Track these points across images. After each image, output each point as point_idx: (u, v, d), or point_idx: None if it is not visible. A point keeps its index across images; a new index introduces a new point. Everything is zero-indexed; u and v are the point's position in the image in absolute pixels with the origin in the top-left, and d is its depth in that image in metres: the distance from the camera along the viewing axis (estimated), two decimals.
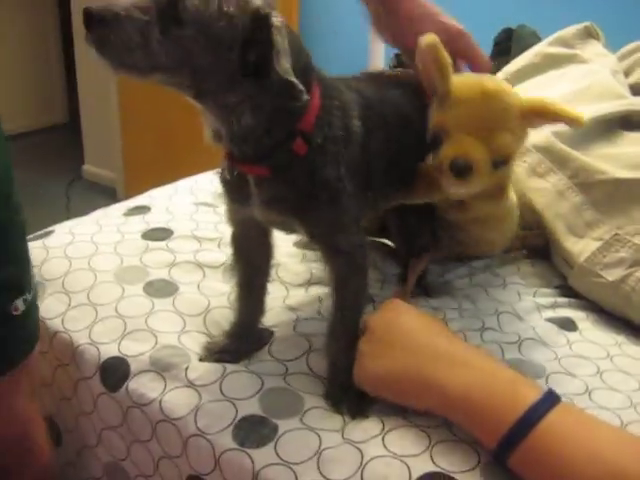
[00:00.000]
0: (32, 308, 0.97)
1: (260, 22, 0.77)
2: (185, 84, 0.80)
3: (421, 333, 0.88)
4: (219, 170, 0.94)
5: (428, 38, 0.96)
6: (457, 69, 1.05)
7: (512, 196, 1.13)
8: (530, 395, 0.75)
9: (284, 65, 0.76)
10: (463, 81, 1.00)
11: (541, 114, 0.97)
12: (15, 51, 4.54)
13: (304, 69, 0.83)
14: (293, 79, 0.76)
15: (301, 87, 0.77)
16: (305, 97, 0.78)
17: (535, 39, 1.74)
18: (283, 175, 0.86)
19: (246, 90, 0.80)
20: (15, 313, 0.93)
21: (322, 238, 0.93)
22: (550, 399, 0.75)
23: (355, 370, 0.89)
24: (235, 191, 0.92)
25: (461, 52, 1.06)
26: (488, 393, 0.77)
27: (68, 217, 3.32)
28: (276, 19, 0.77)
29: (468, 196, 1.06)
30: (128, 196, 3.34)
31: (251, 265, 1.02)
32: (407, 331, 0.88)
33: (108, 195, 3.66)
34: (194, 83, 0.80)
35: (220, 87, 0.80)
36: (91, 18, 0.75)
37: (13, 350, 0.96)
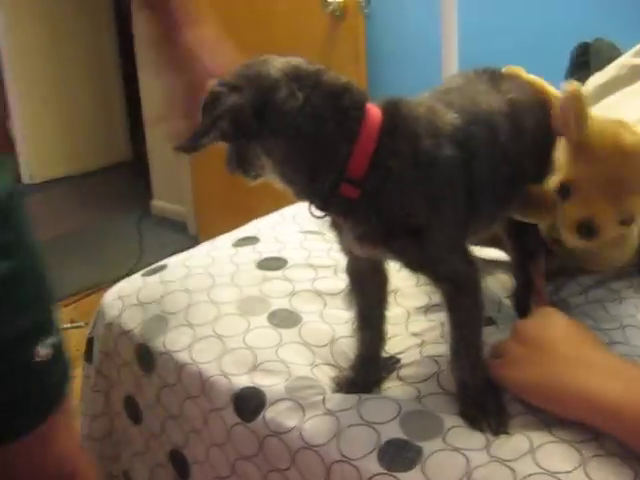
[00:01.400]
0: (58, 352, 0.97)
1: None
2: None
3: (573, 341, 0.89)
4: None
5: (572, 85, 0.96)
6: None
7: None
8: None
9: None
10: (602, 133, 0.98)
11: None
12: (77, 91, 4.66)
13: (339, 111, 0.82)
14: None
15: None
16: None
17: (614, 52, 1.73)
18: (364, 210, 0.85)
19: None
20: (38, 359, 0.93)
21: (420, 269, 0.93)
22: None
23: (504, 373, 0.90)
24: (332, 225, 0.94)
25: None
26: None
27: (141, 253, 3.40)
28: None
29: None
30: (199, 229, 3.43)
31: (367, 294, 1.02)
32: (559, 338, 0.89)
33: (179, 229, 3.73)
34: None
35: None
36: None
37: (41, 398, 0.97)
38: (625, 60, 1.57)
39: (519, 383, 0.89)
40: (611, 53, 1.72)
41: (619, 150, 0.95)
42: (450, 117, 0.89)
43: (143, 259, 3.04)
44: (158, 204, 4.03)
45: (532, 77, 1.12)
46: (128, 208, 4.08)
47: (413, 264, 0.92)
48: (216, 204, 3.34)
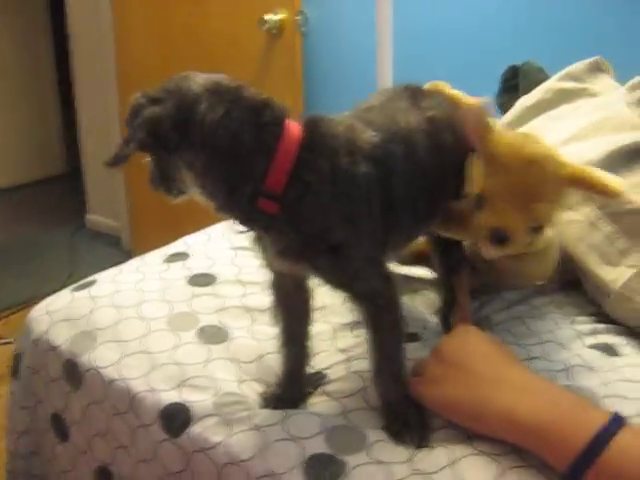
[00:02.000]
0: None
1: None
2: None
3: (490, 359, 0.92)
4: None
5: (474, 102, 1.00)
6: None
7: (549, 230, 1.15)
8: (598, 418, 0.78)
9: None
10: (508, 145, 1.01)
11: (580, 184, 0.99)
12: (10, 102, 4.57)
13: (257, 126, 0.84)
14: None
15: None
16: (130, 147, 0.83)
17: (542, 75, 1.79)
18: (284, 225, 0.87)
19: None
20: None
21: (339, 286, 0.94)
22: (617, 421, 0.78)
23: (423, 391, 0.92)
24: (255, 240, 0.95)
25: None
26: (557, 417, 0.80)
27: (73, 267, 3.35)
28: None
29: None
30: (134, 244, 3.39)
31: (291, 310, 1.04)
32: (476, 356, 0.92)
33: (113, 244, 3.69)
34: None
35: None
36: None
37: None
38: (551, 84, 1.62)
39: (438, 401, 0.91)
40: (539, 76, 1.78)
41: (524, 159, 0.98)
42: (368, 135, 0.92)
43: (76, 274, 2.98)
44: (92, 218, 3.98)
45: (454, 92, 1.15)
46: (62, 222, 4.02)
47: (332, 281, 0.94)
48: (151, 219, 3.31)
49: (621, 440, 0.75)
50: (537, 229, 1.02)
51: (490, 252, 1.01)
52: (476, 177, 1.04)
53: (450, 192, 1.08)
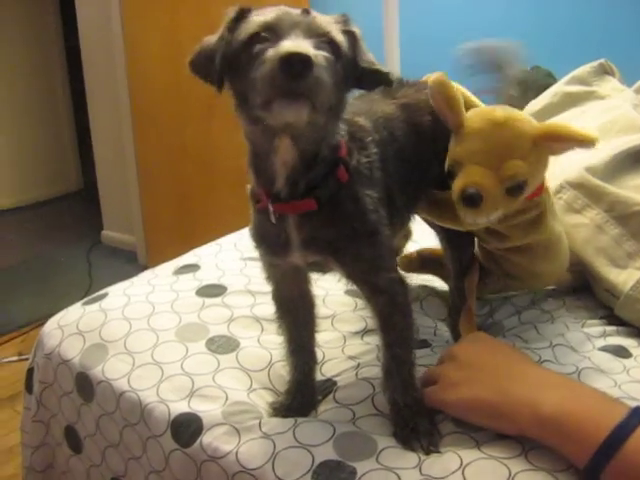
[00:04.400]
0: None
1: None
2: None
3: (508, 359, 0.93)
4: (251, 227, 0.97)
5: (436, 75, 1.00)
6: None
7: (557, 225, 1.15)
8: (620, 409, 0.78)
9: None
10: (476, 113, 1.03)
11: (553, 137, 0.99)
12: (26, 121, 4.63)
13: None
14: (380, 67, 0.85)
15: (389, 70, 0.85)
16: (394, 79, 0.86)
17: (550, 79, 1.79)
18: (327, 207, 0.87)
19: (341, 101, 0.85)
20: None
21: (362, 276, 0.95)
22: (638, 415, 0.77)
23: (445, 397, 0.92)
24: (272, 240, 0.93)
25: None
26: (580, 407, 0.81)
27: (91, 283, 3.36)
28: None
29: (501, 226, 1.08)
30: (150, 259, 3.41)
31: (296, 319, 1.04)
32: (494, 357, 0.93)
33: (129, 259, 3.71)
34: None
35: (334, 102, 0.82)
36: (308, 62, 0.72)
37: None
38: (558, 88, 1.63)
39: (461, 404, 0.91)
40: (547, 80, 1.78)
41: (495, 121, 0.99)
42: (363, 121, 0.95)
43: (93, 290, 2.97)
44: (108, 234, 4.01)
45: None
46: (78, 238, 4.05)
47: (356, 272, 0.94)
48: (166, 234, 3.34)
49: None
50: (515, 191, 1.00)
51: (467, 216, 1.00)
52: (448, 151, 1.05)
53: (433, 175, 1.09)
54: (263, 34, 0.77)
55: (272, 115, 0.75)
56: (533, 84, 1.84)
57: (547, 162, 1.04)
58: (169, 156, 3.20)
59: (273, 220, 0.89)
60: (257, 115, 0.77)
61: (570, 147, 1.01)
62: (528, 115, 1.04)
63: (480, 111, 1.04)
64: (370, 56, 0.86)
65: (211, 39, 0.86)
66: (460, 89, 1.06)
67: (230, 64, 0.82)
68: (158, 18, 3.06)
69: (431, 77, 1.01)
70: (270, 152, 0.84)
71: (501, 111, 1.02)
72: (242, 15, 0.83)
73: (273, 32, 0.77)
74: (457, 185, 1.00)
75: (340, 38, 0.81)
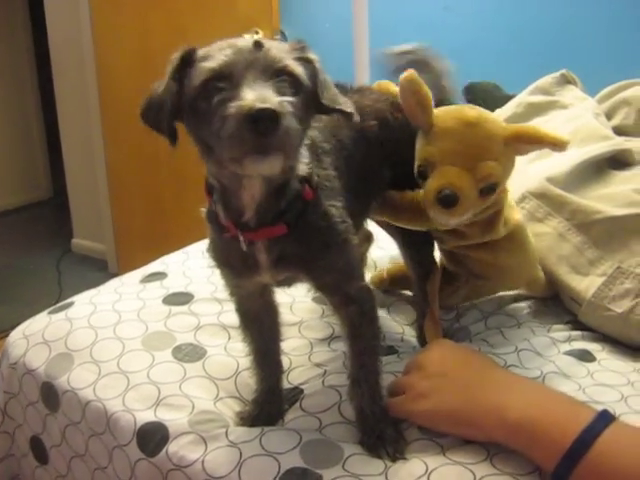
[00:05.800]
0: None
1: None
2: None
3: (474, 365, 0.94)
4: (210, 248, 0.98)
5: (407, 73, 1.00)
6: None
7: (514, 214, 1.15)
8: (586, 413, 0.79)
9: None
10: (445, 112, 1.04)
11: (524, 139, 1.00)
12: None
13: None
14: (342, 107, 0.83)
15: (351, 108, 0.83)
16: (356, 117, 0.84)
17: (497, 91, 1.84)
18: (297, 227, 0.87)
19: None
20: None
21: (332, 287, 0.95)
22: (606, 417, 0.78)
23: (413, 408, 0.92)
24: (237, 263, 0.92)
25: None
26: (547, 411, 0.81)
27: (61, 292, 3.33)
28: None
29: (460, 225, 1.09)
30: (120, 267, 3.39)
31: (261, 330, 1.04)
32: (460, 365, 0.94)
33: (100, 267, 3.68)
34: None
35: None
36: (275, 117, 0.69)
37: None
38: (522, 98, 1.65)
39: (430, 414, 0.91)
40: (495, 92, 1.83)
41: (465, 121, 1.00)
42: (313, 133, 0.94)
43: (62, 299, 2.94)
44: (79, 242, 3.98)
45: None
46: (48, 247, 4.02)
47: (327, 283, 0.94)
48: (137, 242, 3.32)
49: (607, 438, 0.76)
50: (488, 191, 1.01)
51: (441, 217, 1.01)
52: (419, 151, 1.05)
53: (384, 178, 1.10)
54: (219, 84, 0.75)
55: (243, 168, 0.74)
56: (483, 94, 1.88)
57: (514, 162, 1.05)
58: (140, 163, 3.18)
59: (244, 248, 0.88)
60: (226, 165, 0.76)
61: (538, 148, 1.03)
62: (495, 115, 1.05)
63: (449, 110, 1.05)
64: (332, 91, 0.83)
65: (159, 86, 0.82)
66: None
67: (186, 113, 0.80)
68: (128, 24, 3.05)
69: (402, 75, 1.01)
70: (239, 189, 0.83)
71: (471, 110, 1.03)
72: (188, 58, 0.80)
73: (228, 80, 0.74)
74: (432, 186, 1.00)
75: (299, 71, 0.78)
